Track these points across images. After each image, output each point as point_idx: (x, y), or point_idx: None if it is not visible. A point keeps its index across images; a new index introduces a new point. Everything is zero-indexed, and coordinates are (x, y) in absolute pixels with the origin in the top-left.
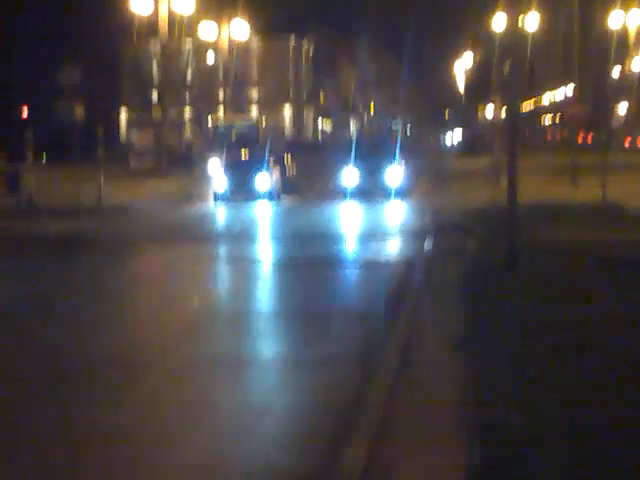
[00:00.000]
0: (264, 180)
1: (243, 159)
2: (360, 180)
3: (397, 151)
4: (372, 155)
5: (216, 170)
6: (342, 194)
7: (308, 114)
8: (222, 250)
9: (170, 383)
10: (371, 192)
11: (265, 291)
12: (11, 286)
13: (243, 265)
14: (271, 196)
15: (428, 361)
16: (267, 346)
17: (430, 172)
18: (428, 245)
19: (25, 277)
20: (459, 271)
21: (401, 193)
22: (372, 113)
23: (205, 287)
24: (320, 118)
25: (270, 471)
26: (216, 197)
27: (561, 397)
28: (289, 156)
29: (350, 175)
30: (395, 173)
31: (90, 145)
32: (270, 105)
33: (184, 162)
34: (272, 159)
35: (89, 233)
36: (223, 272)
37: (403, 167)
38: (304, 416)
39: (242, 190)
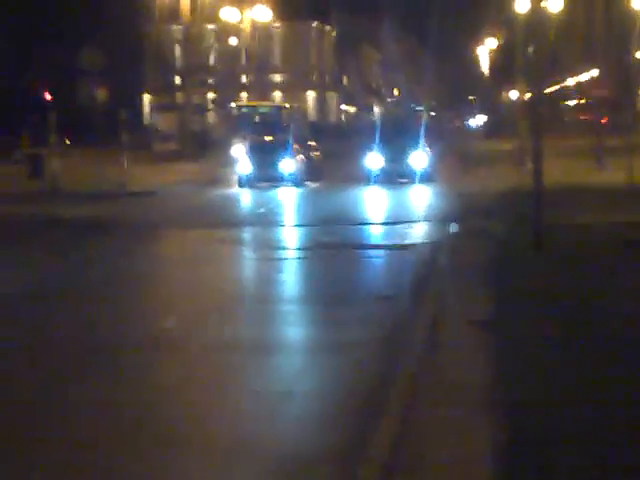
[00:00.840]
0: (288, 164)
1: (267, 142)
2: (385, 164)
3: (421, 135)
4: (396, 139)
5: (240, 153)
6: (367, 178)
7: (332, 99)
8: (247, 235)
9: (197, 365)
10: (396, 176)
11: (291, 275)
12: (34, 270)
13: (268, 249)
14: (295, 180)
15: (456, 342)
16: (296, 330)
17: (455, 155)
18: (454, 228)
19: (48, 261)
20: (486, 253)
21: (426, 176)
22: (396, 97)
23: (230, 271)
24: (344, 102)
25: (298, 451)
26: (240, 180)
27: (585, 379)
28: (313, 140)
29: (374, 159)
30: (420, 157)
31: (113, 129)
32: (293, 90)
33: (208, 146)
34: (296, 143)
35: (114, 217)
36: (248, 256)
37: (428, 150)
38: (331, 398)
39: (266, 173)
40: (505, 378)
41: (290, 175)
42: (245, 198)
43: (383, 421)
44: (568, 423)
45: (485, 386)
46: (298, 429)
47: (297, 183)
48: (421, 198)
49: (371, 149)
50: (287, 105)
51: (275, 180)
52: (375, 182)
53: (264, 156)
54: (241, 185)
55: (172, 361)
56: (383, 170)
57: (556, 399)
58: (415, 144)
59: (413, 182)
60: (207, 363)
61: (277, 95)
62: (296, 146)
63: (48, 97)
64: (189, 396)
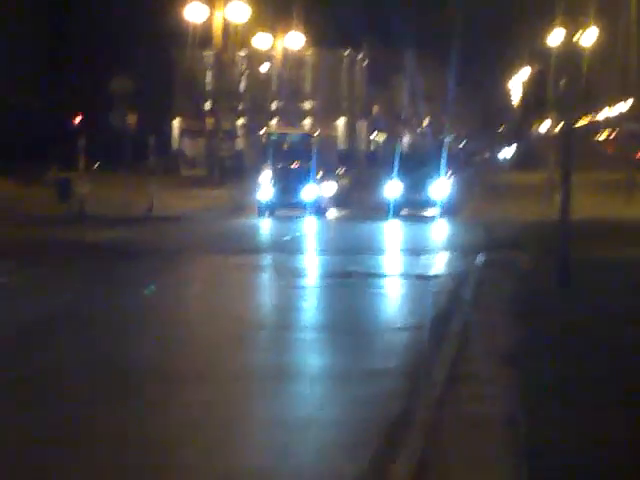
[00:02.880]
0: (310, 191)
1: (291, 169)
2: (404, 193)
3: (443, 165)
4: (417, 168)
5: (263, 179)
6: (386, 208)
7: (362, 127)
8: (270, 261)
9: (220, 395)
10: (415, 205)
11: (313, 304)
12: (61, 293)
13: (292, 277)
14: (317, 208)
15: (478, 376)
16: (316, 359)
17: (484, 186)
18: (480, 260)
19: (74, 284)
20: (511, 287)
21: (447, 207)
22: (425, 127)
23: (253, 298)
24: (374, 131)
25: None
26: (260, 208)
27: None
28: (342, 168)
29: (393, 188)
30: (441, 187)
31: (142, 153)
32: (324, 117)
33: (236, 172)
34: (322, 170)
35: (139, 242)
36: (272, 284)
37: (451, 181)
38: (349, 428)
39: (287, 201)
40: (528, 415)
41: (311, 203)
42: (265, 226)
43: (402, 453)
44: (586, 465)
45: (507, 422)
46: (317, 458)
47: (319, 211)
48: (443, 229)
49: (390, 178)
50: (316, 133)
51: (296, 208)
52: (394, 212)
53: (286, 183)
54: (261, 213)
55: (195, 388)
56: (402, 199)
57: (579, 440)
58: (436, 174)
59: (433, 212)
60: (228, 391)
61: (307, 122)
62: (320, 173)
63: (77, 121)
64: (209, 427)
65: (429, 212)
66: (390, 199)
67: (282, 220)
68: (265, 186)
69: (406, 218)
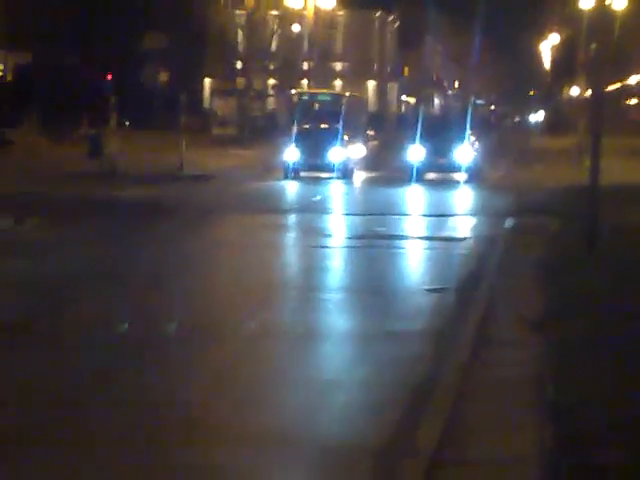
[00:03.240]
0: (337, 154)
1: (318, 130)
2: (429, 157)
3: (471, 128)
4: (441, 132)
5: (289, 140)
6: (410, 172)
7: (392, 89)
8: (298, 222)
9: (245, 351)
10: (441, 170)
11: (341, 267)
12: (91, 250)
13: (319, 237)
14: (343, 171)
15: (504, 340)
16: (342, 320)
17: (513, 150)
18: (508, 224)
19: (104, 241)
20: (539, 252)
21: (473, 172)
22: (457, 90)
23: (282, 258)
24: (404, 93)
25: (343, 442)
26: (286, 169)
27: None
28: (372, 130)
29: (416, 152)
30: (467, 151)
31: (173, 112)
32: (354, 79)
33: (267, 132)
34: (351, 132)
35: (168, 200)
36: (292, 244)
37: (477, 145)
38: (376, 390)
39: (313, 162)
40: (553, 377)
41: (337, 165)
42: (291, 188)
43: (429, 416)
44: (616, 424)
45: (533, 384)
46: (343, 418)
47: (345, 174)
48: (468, 194)
49: (413, 142)
50: (347, 94)
51: (322, 170)
52: (417, 176)
53: (312, 144)
54: (286, 174)
55: (221, 348)
56: (426, 163)
57: (604, 399)
58: (462, 138)
59: (458, 177)
60: (255, 350)
61: (338, 83)
62: (349, 135)
63: (109, 78)
64: (238, 385)
65: (454, 176)
66: (413, 163)
67: (307, 182)
68: (291, 147)
69: (429, 183)
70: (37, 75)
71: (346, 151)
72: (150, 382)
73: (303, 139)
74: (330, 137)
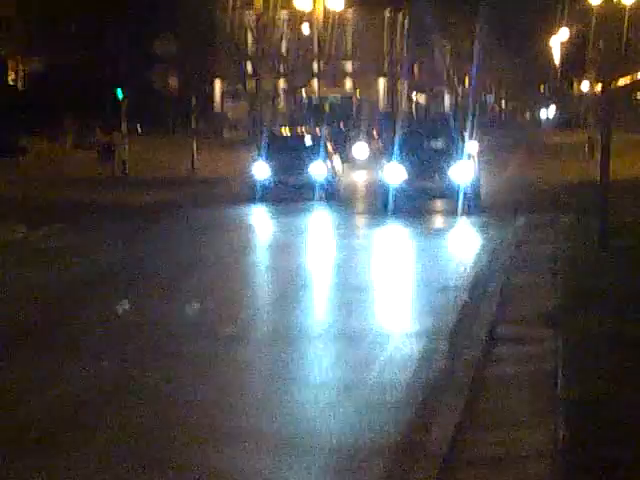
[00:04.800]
0: (319, 168)
1: (294, 143)
2: (408, 178)
3: (472, 129)
4: (427, 145)
5: (258, 152)
6: (384, 199)
7: (403, 87)
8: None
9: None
10: (426, 195)
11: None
12: (105, 254)
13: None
14: (327, 187)
15: (517, 336)
16: (355, 320)
17: (524, 146)
18: (520, 220)
19: (116, 246)
20: (551, 248)
21: (470, 195)
22: (466, 87)
23: (292, 258)
24: (414, 91)
25: (360, 441)
26: (255, 187)
27: None
28: (379, 130)
29: (393, 172)
30: (461, 168)
31: (184, 116)
32: (364, 78)
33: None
34: (359, 132)
35: (180, 203)
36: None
37: (471, 158)
38: (390, 389)
39: (288, 179)
40: (567, 374)
41: (320, 180)
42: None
43: (443, 413)
44: (633, 420)
45: (547, 381)
46: (358, 417)
47: (328, 192)
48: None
49: (390, 159)
50: (357, 94)
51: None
52: (392, 210)
53: (286, 156)
54: (255, 190)
55: (231, 348)
56: (405, 188)
57: (620, 396)
58: (454, 150)
59: (451, 203)
60: (267, 352)
61: (348, 83)
62: (331, 147)
63: (119, 83)
64: (255, 384)
65: (445, 205)
66: (389, 186)
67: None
68: (258, 162)
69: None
70: (50, 82)
71: (329, 164)
72: (163, 382)
73: (275, 151)
74: (311, 149)
